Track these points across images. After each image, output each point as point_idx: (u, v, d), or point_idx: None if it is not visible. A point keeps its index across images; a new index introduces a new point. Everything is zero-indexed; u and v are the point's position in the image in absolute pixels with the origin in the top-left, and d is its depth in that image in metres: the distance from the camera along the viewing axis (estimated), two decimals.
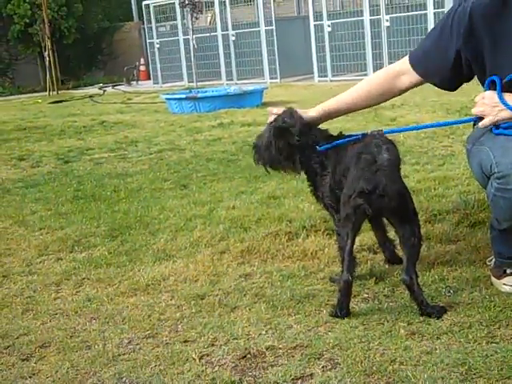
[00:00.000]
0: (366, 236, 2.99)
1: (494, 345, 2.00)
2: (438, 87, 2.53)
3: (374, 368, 1.93)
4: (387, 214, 2.39)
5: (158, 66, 17.56)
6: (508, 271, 2.43)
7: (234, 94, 10.00)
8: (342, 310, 2.29)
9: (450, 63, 2.37)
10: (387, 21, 13.29)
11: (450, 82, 2.48)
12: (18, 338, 2.33)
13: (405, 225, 2.31)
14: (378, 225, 2.70)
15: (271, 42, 15.36)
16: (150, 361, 2.08)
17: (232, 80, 15.86)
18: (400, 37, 13.35)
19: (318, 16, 14.25)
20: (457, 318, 2.19)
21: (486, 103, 2.27)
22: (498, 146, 2.20)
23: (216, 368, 2.01)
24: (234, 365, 2.03)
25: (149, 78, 18.47)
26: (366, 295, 2.47)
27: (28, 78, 19.47)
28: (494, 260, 2.54)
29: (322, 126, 2.74)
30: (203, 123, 7.97)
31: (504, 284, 2.40)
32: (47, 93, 16.16)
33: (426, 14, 12.79)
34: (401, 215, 2.31)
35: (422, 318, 2.22)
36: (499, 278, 2.43)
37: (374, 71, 13.45)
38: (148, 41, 17.96)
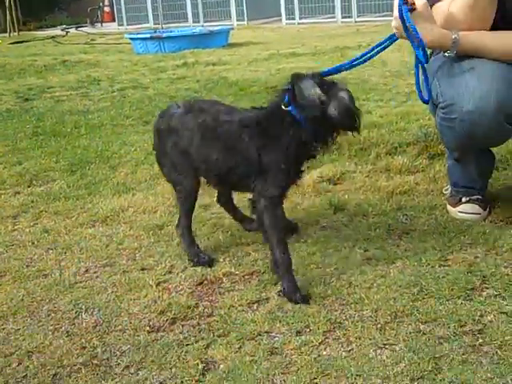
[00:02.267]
0: (326, 168, 3.00)
1: (446, 268, 2.04)
2: None
3: (330, 291, 1.95)
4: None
5: (123, 6, 17.13)
6: (463, 199, 2.46)
7: (200, 34, 9.84)
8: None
9: None
10: None
11: None
12: None
13: None
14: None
15: None
16: (107, 287, 2.08)
17: (199, 22, 15.57)
18: None
19: None
20: (412, 244, 2.22)
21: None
22: (444, 75, 2.20)
23: (173, 294, 2.02)
24: (190, 290, 2.03)
25: (113, 20, 18.02)
26: (324, 224, 2.48)
27: None
28: (450, 189, 2.58)
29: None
30: (167, 63, 7.84)
31: (459, 212, 2.44)
32: (7, 34, 15.69)
33: None
34: None
35: (378, 245, 2.25)
36: (454, 205, 2.47)
37: (342, 14, 13.33)
38: None
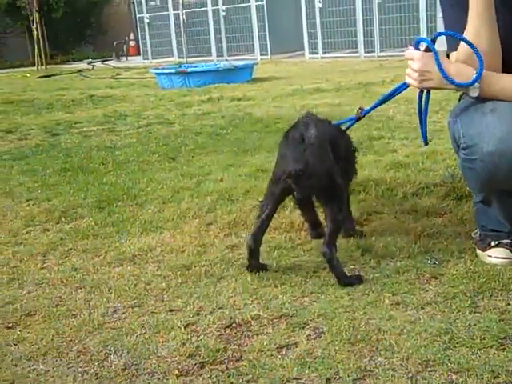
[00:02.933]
0: (353, 209, 3.00)
1: (477, 314, 2.01)
2: None
3: (359, 337, 1.94)
4: (315, 193, 2.41)
5: (148, 41, 17.44)
6: (492, 243, 2.44)
7: (224, 69, 9.95)
8: (249, 267, 2.46)
9: None
10: None
11: None
12: (3, 306, 2.32)
13: (331, 202, 2.35)
14: (309, 203, 2.66)
15: (262, 18, 15.27)
16: (136, 329, 2.09)
17: (222, 56, 15.78)
18: (391, 14, 13.29)
19: None
20: (441, 289, 2.21)
21: (415, 69, 2.20)
22: (466, 116, 2.20)
23: (201, 336, 2.02)
24: (219, 333, 2.03)
25: (138, 54, 18.34)
26: (352, 266, 2.47)
27: (16, 52, 19.28)
28: (478, 232, 2.56)
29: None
30: (193, 98, 7.93)
31: (488, 256, 2.42)
32: (35, 67, 16.01)
33: None
34: (328, 193, 2.34)
35: (406, 289, 2.23)
36: (484, 249, 2.45)
37: (364, 48, 13.44)
38: (138, 15, 17.80)
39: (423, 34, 12.63)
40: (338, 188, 2.35)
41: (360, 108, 2.64)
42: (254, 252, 2.46)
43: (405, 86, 2.36)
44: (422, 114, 2.40)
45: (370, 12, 13.42)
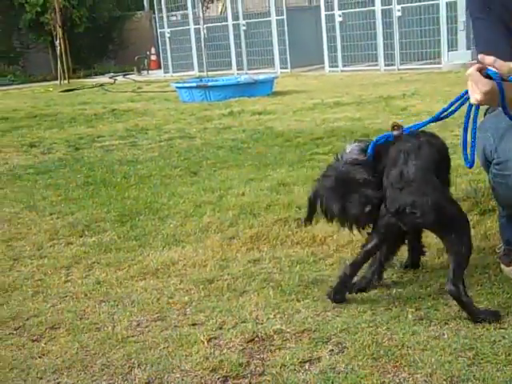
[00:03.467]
0: None
1: (501, 330, 2.00)
2: None
3: (382, 352, 1.93)
4: (425, 227, 2.27)
5: (169, 55, 17.56)
6: None
7: (245, 82, 10.00)
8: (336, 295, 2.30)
9: None
10: (399, 11, 13.21)
11: None
12: (28, 319, 2.34)
13: (448, 234, 2.14)
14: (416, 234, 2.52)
15: (282, 32, 15.32)
16: (159, 343, 2.10)
17: (242, 70, 15.85)
18: (411, 27, 13.27)
19: (329, 6, 14.18)
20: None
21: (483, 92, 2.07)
22: (499, 132, 2.19)
23: (224, 350, 2.02)
24: (241, 348, 2.04)
25: (159, 68, 18.47)
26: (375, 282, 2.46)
27: (39, 66, 19.54)
28: (503, 247, 2.54)
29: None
30: (213, 112, 7.98)
31: None
32: (58, 81, 16.22)
33: (437, 4, 12.70)
34: (441, 225, 2.15)
35: (429, 304, 2.22)
36: (508, 265, 2.43)
37: (384, 61, 13.43)
38: (159, 30, 17.95)
39: (444, 47, 12.61)
40: (450, 217, 2.13)
41: (396, 125, 2.33)
42: (345, 280, 2.29)
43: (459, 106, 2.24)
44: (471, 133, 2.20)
45: (390, 25, 13.41)
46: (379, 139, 2.29)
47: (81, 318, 2.32)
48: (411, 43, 13.27)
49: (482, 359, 1.84)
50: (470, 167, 2.25)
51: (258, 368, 1.91)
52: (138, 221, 3.43)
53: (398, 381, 1.78)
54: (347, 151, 2.32)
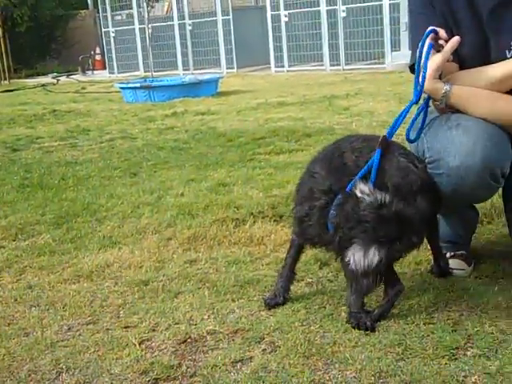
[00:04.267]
0: None
1: (430, 326, 2.03)
2: None
3: (314, 350, 1.94)
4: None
5: (114, 55, 17.36)
6: (448, 255, 2.47)
7: (189, 83, 9.96)
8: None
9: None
10: (344, 11, 13.37)
11: None
12: None
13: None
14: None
15: (228, 32, 15.33)
16: (89, 346, 2.06)
17: (189, 70, 15.78)
18: (356, 27, 13.45)
19: (275, 6, 14.26)
20: (397, 301, 2.21)
21: None
22: (431, 131, 2.23)
23: (156, 352, 2.00)
24: (174, 349, 2.01)
25: (104, 68, 18.24)
26: (309, 280, 2.48)
27: None
28: None
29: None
30: (157, 112, 7.91)
31: None
32: None
33: (381, 5, 12.91)
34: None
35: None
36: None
37: (330, 61, 13.56)
38: (103, 29, 17.73)
39: (387, 47, 12.81)
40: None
41: (384, 137, 2.11)
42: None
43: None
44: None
45: (335, 26, 13.56)
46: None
47: (9, 324, 2.26)
48: (356, 43, 13.46)
49: (410, 354, 1.87)
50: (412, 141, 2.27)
51: (189, 369, 1.89)
52: (74, 223, 3.36)
53: (328, 378, 1.79)
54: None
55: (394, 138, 2.18)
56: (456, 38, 2.11)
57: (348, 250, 1.95)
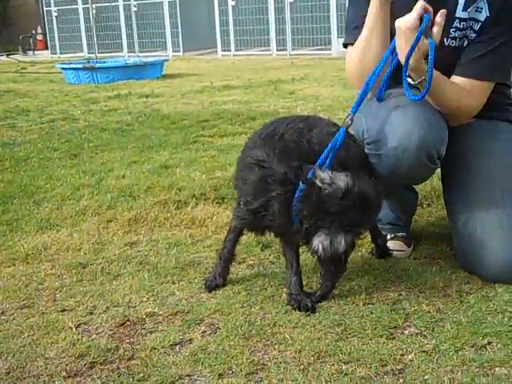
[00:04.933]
0: None
1: (370, 306, 2.04)
2: None
3: (254, 331, 1.93)
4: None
5: (56, 35, 16.94)
6: (388, 236, 2.50)
7: (134, 65, 9.80)
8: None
9: None
10: None
11: None
12: None
13: None
14: None
15: (174, 14, 15.14)
16: (23, 331, 1.99)
17: (134, 52, 15.53)
18: (303, 13, 13.47)
19: None
20: (338, 282, 2.22)
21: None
22: (370, 112, 2.23)
23: (93, 336, 1.95)
24: (111, 332, 1.97)
25: (46, 48, 17.78)
26: (251, 262, 2.46)
27: None
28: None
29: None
30: (100, 94, 7.76)
31: None
32: None
33: None
34: None
35: (304, 283, 2.23)
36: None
37: (277, 46, 13.55)
38: (45, 8, 17.25)
39: (334, 34, 12.88)
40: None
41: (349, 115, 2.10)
42: None
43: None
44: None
45: (282, 11, 13.55)
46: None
47: None
48: (303, 29, 13.48)
49: (349, 334, 1.88)
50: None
51: (127, 352, 1.85)
52: (10, 205, 3.26)
53: (267, 358, 1.78)
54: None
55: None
56: (444, 11, 2.04)
57: (314, 238, 1.94)
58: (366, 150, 2.22)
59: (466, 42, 2.22)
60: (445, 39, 2.20)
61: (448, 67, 2.21)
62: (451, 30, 2.20)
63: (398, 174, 2.14)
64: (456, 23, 2.19)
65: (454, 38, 2.21)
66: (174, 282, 2.30)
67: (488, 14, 2.16)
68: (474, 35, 2.20)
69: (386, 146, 2.10)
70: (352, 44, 2.30)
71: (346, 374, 1.68)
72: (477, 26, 2.19)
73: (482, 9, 2.17)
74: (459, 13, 2.19)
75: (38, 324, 2.03)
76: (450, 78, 2.23)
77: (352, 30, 2.32)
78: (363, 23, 2.22)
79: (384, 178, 2.25)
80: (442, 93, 2.17)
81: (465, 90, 2.22)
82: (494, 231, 2.14)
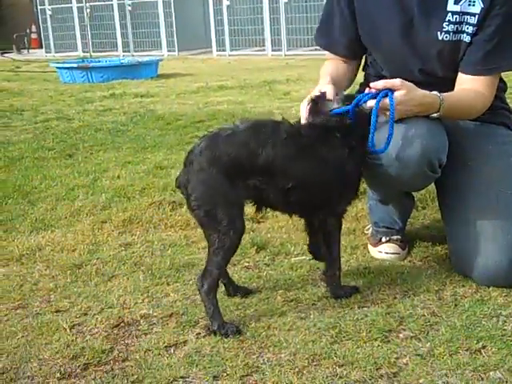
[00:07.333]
0: (248, 206, 2.99)
1: (365, 309, 2.05)
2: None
3: (248, 334, 1.93)
4: None
5: (51, 34, 16.87)
6: (383, 239, 2.50)
7: (128, 64, 9.78)
8: None
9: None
10: None
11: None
12: None
13: None
14: None
15: (169, 14, 15.10)
16: (17, 332, 1.99)
17: (129, 52, 15.50)
18: (298, 13, 13.47)
19: None
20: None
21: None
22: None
23: (87, 337, 1.95)
24: (106, 334, 1.97)
25: (41, 47, 17.71)
26: (246, 264, 2.47)
27: None
28: (371, 229, 2.61)
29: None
30: (95, 93, 7.74)
31: (379, 251, 2.47)
32: None
33: None
34: None
35: (299, 285, 2.24)
36: (375, 245, 2.50)
37: (272, 47, 13.55)
38: (39, 7, 17.19)
39: None
40: None
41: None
42: None
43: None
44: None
45: (277, 11, 13.54)
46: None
47: None
48: (298, 29, 13.47)
49: (344, 337, 1.88)
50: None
51: (121, 354, 1.85)
52: (4, 205, 3.26)
53: (262, 361, 1.78)
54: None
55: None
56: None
57: None
58: (367, 160, 2.21)
59: (463, 37, 2.20)
60: (438, 33, 2.19)
61: (451, 63, 2.23)
62: (444, 24, 2.19)
63: (399, 182, 2.14)
64: (448, 16, 2.18)
65: (447, 32, 2.19)
66: (168, 284, 2.30)
67: (483, 6, 2.16)
68: (472, 28, 2.18)
69: (387, 155, 2.09)
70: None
71: (340, 377, 1.68)
72: (474, 20, 2.17)
73: (474, 2, 2.17)
74: (451, 6, 2.18)
75: (32, 325, 2.03)
76: (455, 73, 2.24)
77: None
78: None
79: (385, 186, 2.26)
80: (456, 109, 2.18)
81: (478, 93, 2.21)
82: (488, 234, 2.15)
